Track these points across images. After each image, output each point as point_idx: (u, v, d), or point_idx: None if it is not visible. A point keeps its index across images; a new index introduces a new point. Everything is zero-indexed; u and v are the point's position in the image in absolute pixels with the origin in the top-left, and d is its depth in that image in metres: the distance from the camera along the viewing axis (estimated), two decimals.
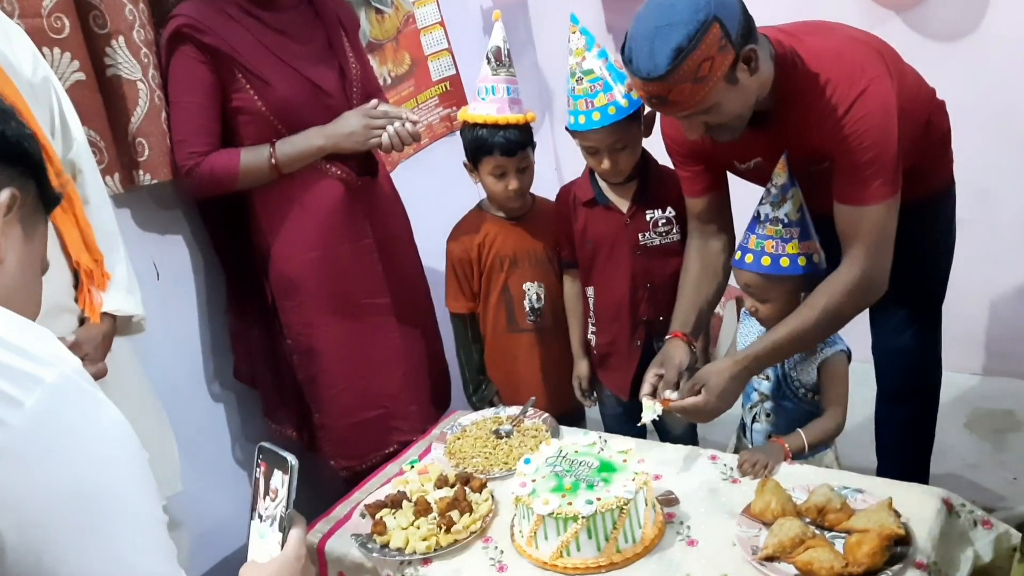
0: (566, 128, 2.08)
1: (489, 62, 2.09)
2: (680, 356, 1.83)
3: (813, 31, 1.72)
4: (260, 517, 1.11)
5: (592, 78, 1.92)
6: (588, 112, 1.93)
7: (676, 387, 1.78)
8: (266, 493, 1.10)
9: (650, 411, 1.72)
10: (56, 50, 1.79)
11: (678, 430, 2.13)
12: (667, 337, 1.89)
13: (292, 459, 1.07)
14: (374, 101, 2.07)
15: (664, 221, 2.05)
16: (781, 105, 1.66)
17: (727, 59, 1.51)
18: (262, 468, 1.11)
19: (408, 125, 2.02)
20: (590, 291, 2.17)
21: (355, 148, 2.05)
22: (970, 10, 2.57)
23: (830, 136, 1.61)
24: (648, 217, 2.06)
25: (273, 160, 2.01)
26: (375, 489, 1.84)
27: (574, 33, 1.96)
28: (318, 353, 2.15)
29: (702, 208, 1.92)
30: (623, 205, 2.07)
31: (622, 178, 2.04)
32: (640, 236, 2.06)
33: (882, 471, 2.12)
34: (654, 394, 1.78)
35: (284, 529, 1.07)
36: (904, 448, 2.15)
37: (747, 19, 1.55)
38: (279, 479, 1.08)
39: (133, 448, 0.86)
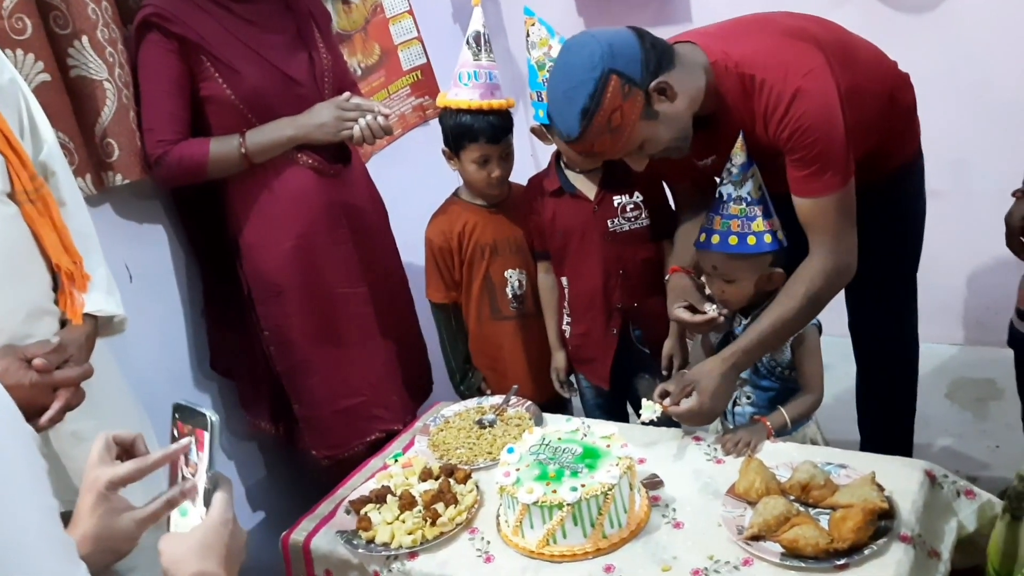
0: (532, 129, 2.07)
1: (470, 46, 2.07)
2: (686, 283, 1.85)
3: (745, 31, 1.74)
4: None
5: None
6: None
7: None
8: (185, 464, 1.00)
9: (650, 411, 1.72)
10: (19, 51, 1.77)
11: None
12: (667, 278, 1.90)
13: (212, 415, 0.98)
14: (347, 94, 2.06)
15: (632, 206, 2.05)
16: (723, 109, 1.68)
17: (636, 102, 1.57)
18: (179, 430, 1.01)
19: (380, 119, 2.01)
20: (564, 281, 2.16)
21: (326, 139, 2.04)
22: None
23: (774, 137, 1.63)
24: (616, 203, 2.05)
25: (243, 149, 2.00)
26: (359, 485, 1.83)
27: (533, 26, 1.94)
28: (295, 343, 2.14)
29: (686, 192, 1.95)
30: (590, 192, 2.06)
31: (599, 163, 2.03)
32: (609, 223, 2.05)
33: (865, 445, 2.14)
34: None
35: (208, 494, 0.98)
36: (886, 421, 2.16)
37: (651, 53, 1.58)
38: (197, 449, 0.98)
39: (14, 425, 0.77)
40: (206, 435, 0.97)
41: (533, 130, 2.08)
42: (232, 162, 2.01)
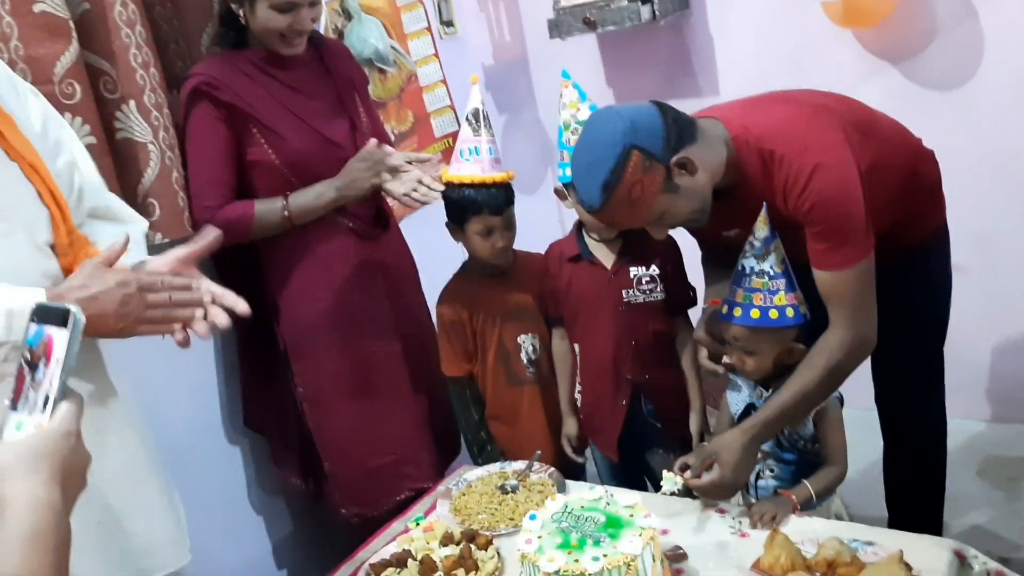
0: (556, 190, 2.11)
1: (470, 123, 2.13)
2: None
3: (766, 107, 1.77)
4: (16, 405, 0.84)
5: None
6: None
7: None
8: (33, 372, 0.84)
9: (671, 483, 1.71)
10: (67, 115, 1.84)
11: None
12: (704, 306, 1.92)
13: (77, 311, 0.83)
14: (372, 141, 2.08)
15: (648, 279, 2.07)
16: (744, 182, 1.70)
17: (656, 176, 1.60)
18: (32, 333, 0.85)
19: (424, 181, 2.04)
20: (576, 348, 2.17)
21: (362, 193, 2.08)
22: (965, 59, 2.62)
23: (793, 210, 1.65)
24: (632, 274, 2.07)
25: (286, 212, 2.06)
26: (380, 548, 1.82)
27: (566, 88, 2.00)
28: (328, 401, 2.17)
29: (713, 249, 1.97)
30: (607, 261, 2.09)
31: (616, 231, 2.06)
32: (624, 293, 2.07)
33: (893, 522, 2.10)
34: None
35: (53, 405, 0.83)
36: (914, 498, 2.13)
37: (673, 128, 1.62)
38: (48, 353, 0.83)
39: None
40: (64, 336, 0.83)
41: (556, 191, 2.12)
42: (275, 224, 2.07)
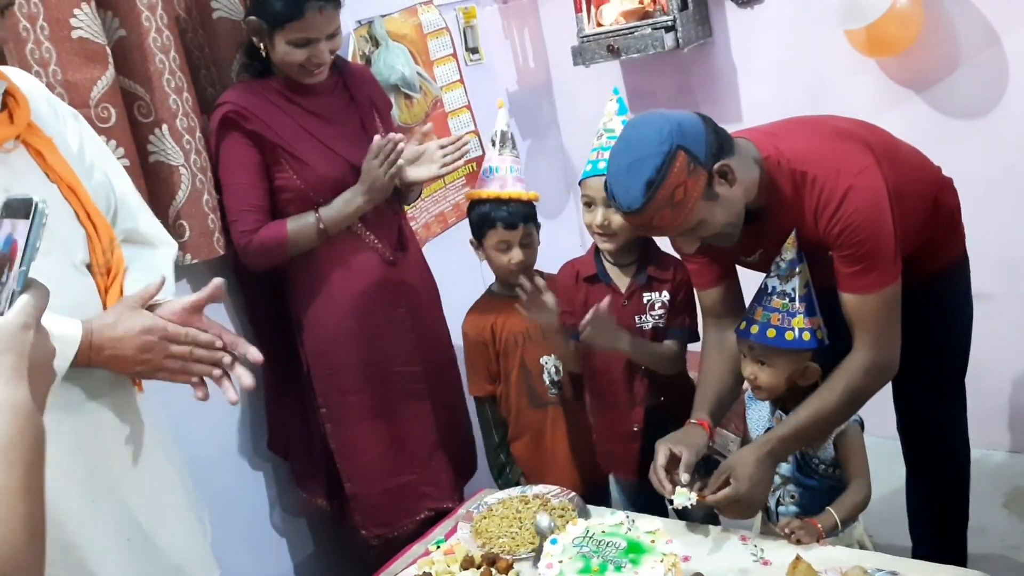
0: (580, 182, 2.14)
1: (494, 144, 2.19)
2: (699, 441, 1.81)
3: (796, 130, 1.78)
4: None
5: (612, 135, 1.98)
6: (596, 161, 2.02)
7: (694, 476, 1.76)
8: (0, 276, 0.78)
9: (683, 497, 1.70)
10: (103, 138, 1.87)
11: (699, 513, 2.10)
12: (691, 421, 1.87)
13: (39, 200, 0.78)
14: (375, 139, 2.07)
15: (660, 305, 2.08)
16: (774, 204, 1.70)
17: (699, 180, 1.58)
18: (2, 239, 0.79)
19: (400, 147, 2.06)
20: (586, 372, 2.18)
21: (388, 191, 2.11)
22: (989, 87, 2.62)
23: (824, 233, 1.65)
24: (645, 300, 2.08)
25: (321, 225, 2.09)
26: (400, 570, 1.83)
27: (611, 101, 2.08)
28: (350, 421, 2.20)
29: (714, 300, 1.93)
30: (623, 285, 2.10)
31: (614, 244, 2.07)
32: (637, 318, 2.08)
33: (917, 552, 2.08)
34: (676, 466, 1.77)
35: (12, 300, 0.77)
36: (938, 528, 2.11)
37: (716, 136, 1.62)
38: (13, 245, 0.78)
39: None
40: (26, 227, 0.78)
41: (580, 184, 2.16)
42: (311, 238, 2.11)
